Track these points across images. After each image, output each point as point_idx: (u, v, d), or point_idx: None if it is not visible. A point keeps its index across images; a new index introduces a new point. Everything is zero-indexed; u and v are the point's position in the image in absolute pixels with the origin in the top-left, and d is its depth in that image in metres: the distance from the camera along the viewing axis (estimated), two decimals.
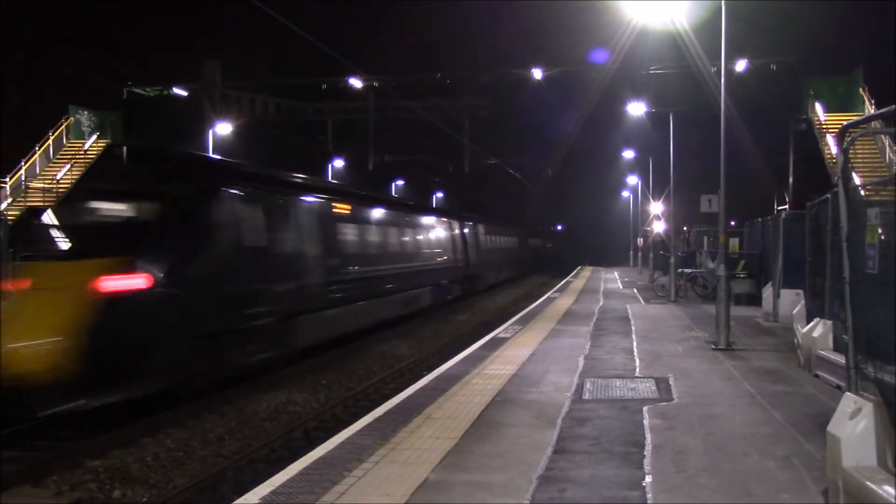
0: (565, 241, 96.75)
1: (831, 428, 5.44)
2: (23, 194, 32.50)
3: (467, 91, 39.71)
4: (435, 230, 30.16)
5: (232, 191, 14.08)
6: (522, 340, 15.14)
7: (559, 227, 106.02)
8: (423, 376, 11.90)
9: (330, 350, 18.80)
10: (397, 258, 24.10)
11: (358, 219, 21.13)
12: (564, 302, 25.25)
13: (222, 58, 39.13)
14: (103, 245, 11.61)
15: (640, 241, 51.76)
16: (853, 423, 5.21)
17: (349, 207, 20.70)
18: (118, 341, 10.91)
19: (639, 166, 48.40)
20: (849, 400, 5.47)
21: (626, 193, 62.53)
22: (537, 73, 36.91)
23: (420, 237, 27.76)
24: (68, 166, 34.71)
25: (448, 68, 40.53)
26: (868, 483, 4.79)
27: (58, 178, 33.91)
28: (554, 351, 13.69)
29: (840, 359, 8.15)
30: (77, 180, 15.61)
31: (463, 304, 32.09)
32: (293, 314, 15.78)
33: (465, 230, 34.92)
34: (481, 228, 38.92)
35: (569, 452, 7.07)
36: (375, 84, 38.29)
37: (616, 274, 47.04)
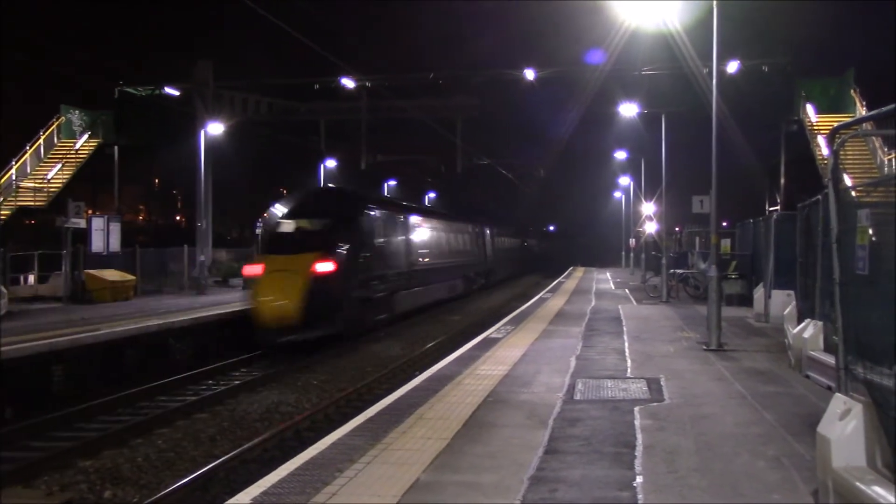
0: (558, 241, 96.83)
1: (821, 428, 5.45)
2: (13, 194, 32.37)
3: (460, 91, 39.71)
4: (467, 234, 37.63)
5: (368, 212, 22.42)
6: (514, 341, 15.15)
7: (551, 228, 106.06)
8: (415, 377, 11.90)
9: (321, 350, 18.81)
10: (447, 256, 32.11)
11: (426, 227, 29.34)
12: (556, 302, 25.28)
13: (215, 58, 39.00)
14: (310, 245, 19.56)
15: (632, 241, 51.84)
16: (843, 423, 5.23)
17: (421, 219, 28.98)
18: (321, 301, 18.48)
19: (631, 167, 48.46)
20: (839, 401, 5.48)
21: (618, 194, 62.61)
22: (530, 74, 36.91)
23: (459, 239, 35.33)
24: (59, 166, 34.59)
25: (440, 69, 40.45)
26: (858, 483, 4.80)
27: (49, 177, 33.79)
28: (546, 351, 13.69)
29: (830, 360, 8.18)
30: (286, 208, 21.68)
31: (455, 304, 32.13)
32: (394, 291, 23.73)
33: (486, 233, 42.36)
34: (495, 231, 45.89)
35: (560, 453, 7.07)
36: (368, 84, 38.25)
37: (608, 274, 47.11)
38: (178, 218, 71.83)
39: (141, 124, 37.93)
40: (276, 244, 20.29)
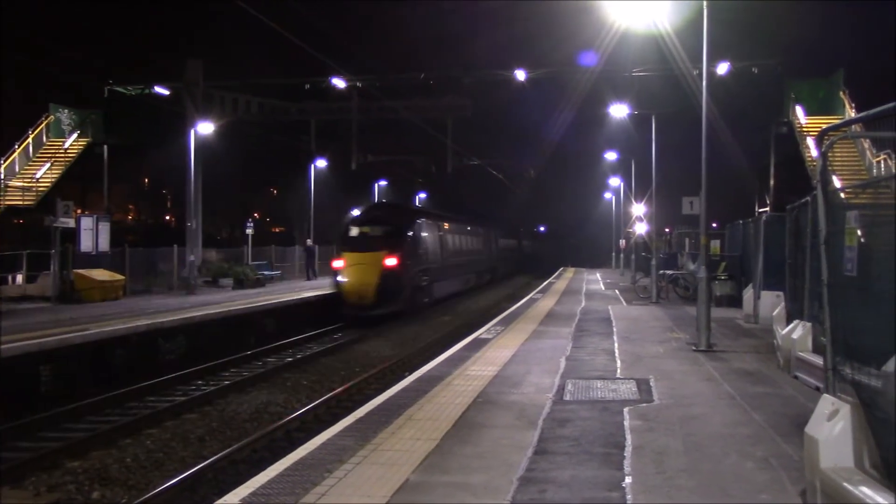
0: (548, 242, 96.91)
1: (809, 429, 5.47)
2: (2, 193, 32.20)
3: (450, 92, 39.70)
4: (481, 237, 44.78)
5: (417, 221, 29.82)
6: (504, 342, 15.15)
7: (542, 229, 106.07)
8: (404, 377, 11.90)
9: (311, 348, 18.78)
10: (468, 255, 39.17)
11: (454, 232, 36.45)
12: (547, 303, 25.31)
13: (205, 57, 38.87)
14: (379, 246, 26.22)
15: (622, 242, 51.94)
16: (831, 424, 5.24)
17: (451, 226, 36.16)
18: (390, 286, 25.39)
19: (622, 168, 48.59)
20: (827, 401, 5.50)
21: (608, 195, 62.71)
22: (521, 75, 36.93)
23: (476, 242, 42.78)
24: (48, 165, 34.43)
25: (431, 69, 40.40)
26: (845, 484, 4.82)
27: (37, 176, 33.63)
28: (536, 352, 13.70)
29: (819, 361, 8.21)
30: (359, 217, 29.97)
31: (445, 305, 32.14)
32: (433, 281, 30.43)
33: (493, 236, 49.23)
34: (499, 234, 53.02)
35: (549, 453, 7.08)
36: (359, 84, 38.21)
37: (598, 275, 47.21)
38: (167, 218, 71.57)
39: (130, 123, 37.76)
40: (354, 244, 27.11)
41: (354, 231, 27.87)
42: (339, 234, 29.72)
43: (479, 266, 43.19)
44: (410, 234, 28.28)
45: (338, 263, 26.69)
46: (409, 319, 26.74)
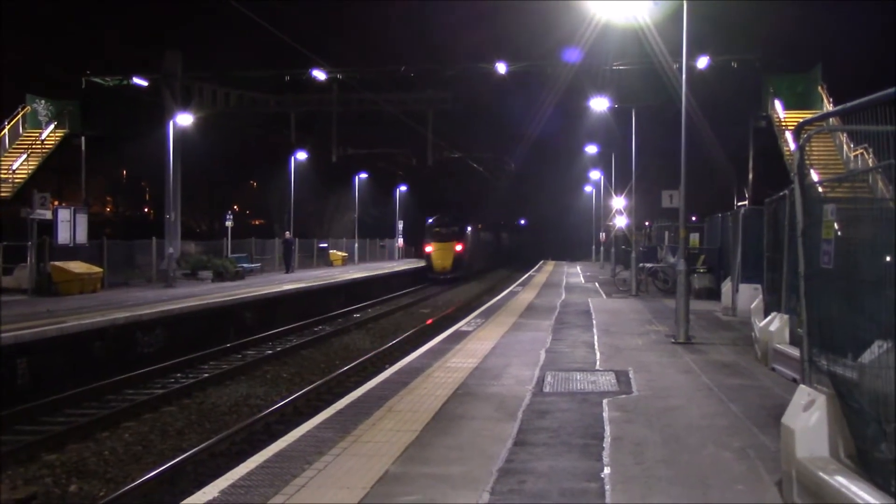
0: (528, 235, 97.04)
1: (786, 420, 5.52)
2: None
3: (431, 85, 39.58)
4: (493, 232, 64.98)
5: (468, 225, 50.73)
6: (485, 334, 15.18)
7: (522, 222, 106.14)
8: (385, 369, 11.89)
9: (291, 341, 18.73)
10: (489, 245, 60.69)
11: (484, 231, 58.56)
12: (527, 296, 25.36)
13: (185, 49, 38.46)
14: (451, 238, 48.06)
15: (602, 235, 52.12)
16: (807, 414, 5.30)
17: (482, 226, 57.23)
18: (458, 262, 47.78)
19: (602, 161, 48.74)
20: (803, 392, 5.55)
21: (589, 188, 62.87)
22: (501, 68, 36.89)
23: (492, 237, 63.78)
24: (24, 156, 34.07)
25: (412, 62, 40.27)
26: (820, 473, 4.87)
27: (13, 168, 33.26)
28: (516, 344, 13.74)
29: (796, 352, 8.27)
30: (437, 220, 51.12)
31: (425, 297, 32.16)
32: (474, 260, 51.31)
33: (500, 233, 70.00)
34: (505, 231, 74.16)
35: (529, 445, 7.10)
36: (339, 77, 38.04)
37: (579, 268, 47.38)
38: (146, 210, 70.98)
39: (108, 115, 37.37)
40: (437, 237, 47.95)
41: (437, 228, 48.83)
42: (427, 229, 49.38)
43: (494, 253, 64.07)
44: (468, 231, 49.67)
45: (428, 248, 47.78)
46: (393, 309, 26.64)
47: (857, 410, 5.00)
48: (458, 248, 46.91)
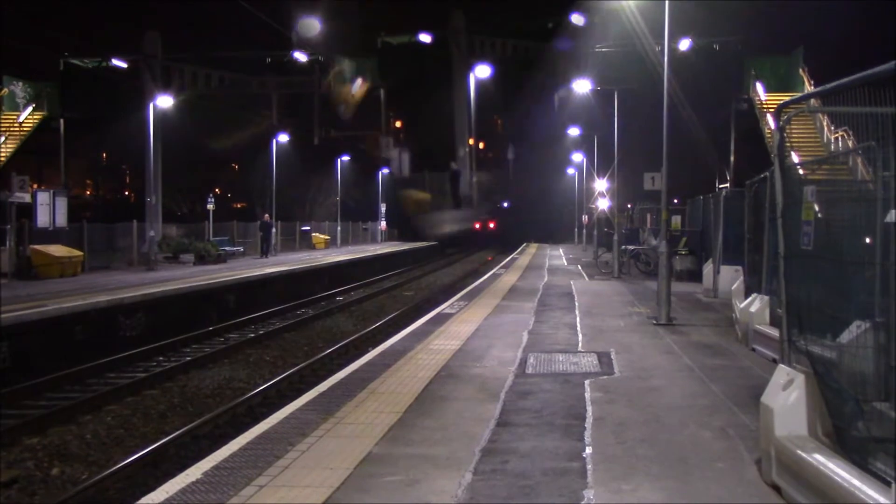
0: (511, 217, 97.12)
1: (765, 399, 5.58)
2: None
3: None
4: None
5: (495, 209, 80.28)
6: (467, 316, 15.22)
7: (505, 204, 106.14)
8: (368, 351, 11.90)
9: (274, 324, 18.70)
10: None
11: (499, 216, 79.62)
12: (510, 278, 25.42)
13: (164, 30, 38.21)
14: (487, 219, 75.86)
15: (584, 218, 52.24)
16: (786, 394, 5.36)
17: (497, 213, 79.05)
18: (493, 233, 73.71)
19: (584, 144, 48.74)
20: (782, 372, 5.61)
21: (571, 171, 62.94)
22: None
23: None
24: (2, 139, 33.73)
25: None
26: (799, 451, 4.93)
27: None
28: (498, 326, 13.78)
29: (776, 333, 8.35)
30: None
31: (409, 280, 32.17)
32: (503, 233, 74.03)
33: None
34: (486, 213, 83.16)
35: (511, 425, 7.14)
36: (321, 58, 37.85)
37: (561, 251, 47.50)
38: (126, 193, 70.46)
39: (87, 97, 37.06)
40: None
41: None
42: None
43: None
44: (498, 213, 66.45)
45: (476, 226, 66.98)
46: (376, 292, 26.72)
47: (835, 389, 5.06)
48: (491, 224, 73.54)
